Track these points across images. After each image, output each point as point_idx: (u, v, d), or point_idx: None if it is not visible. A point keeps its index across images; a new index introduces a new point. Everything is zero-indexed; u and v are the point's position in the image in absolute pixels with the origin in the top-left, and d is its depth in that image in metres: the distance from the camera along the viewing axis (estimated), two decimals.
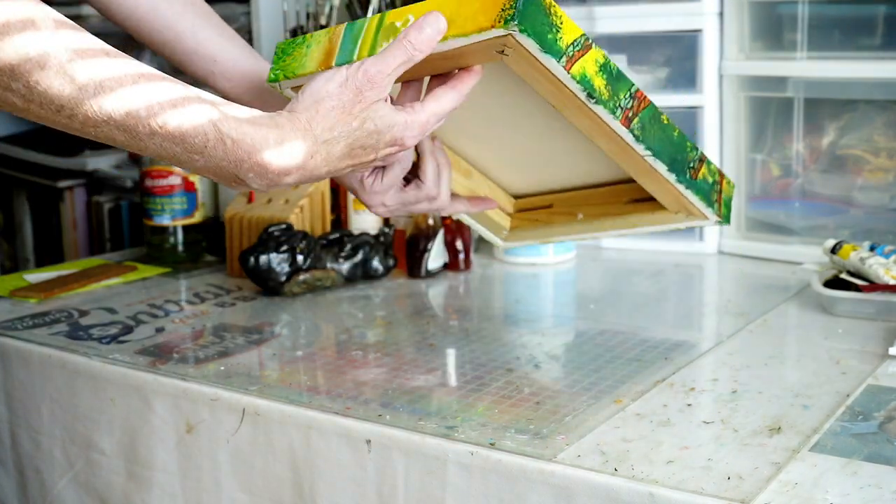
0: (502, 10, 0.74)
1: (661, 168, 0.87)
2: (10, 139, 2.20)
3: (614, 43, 1.44)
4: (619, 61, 1.44)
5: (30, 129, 2.30)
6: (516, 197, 1.09)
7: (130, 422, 1.01)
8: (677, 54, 1.41)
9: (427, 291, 1.29)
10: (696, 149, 0.90)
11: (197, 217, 1.47)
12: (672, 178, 0.88)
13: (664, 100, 1.41)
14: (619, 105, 0.81)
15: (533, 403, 0.89)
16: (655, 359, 1.00)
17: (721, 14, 1.37)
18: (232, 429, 0.94)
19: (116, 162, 2.05)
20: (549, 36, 0.76)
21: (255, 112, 0.75)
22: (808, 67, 1.32)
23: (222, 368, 1.00)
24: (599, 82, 0.79)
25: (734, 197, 0.96)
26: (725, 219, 0.94)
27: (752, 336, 1.07)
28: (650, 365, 0.98)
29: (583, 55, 0.78)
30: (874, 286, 1.09)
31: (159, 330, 1.13)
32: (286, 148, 0.75)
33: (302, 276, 1.25)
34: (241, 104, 0.76)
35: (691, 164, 0.89)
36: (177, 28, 0.97)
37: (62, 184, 2.04)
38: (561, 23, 0.76)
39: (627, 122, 0.82)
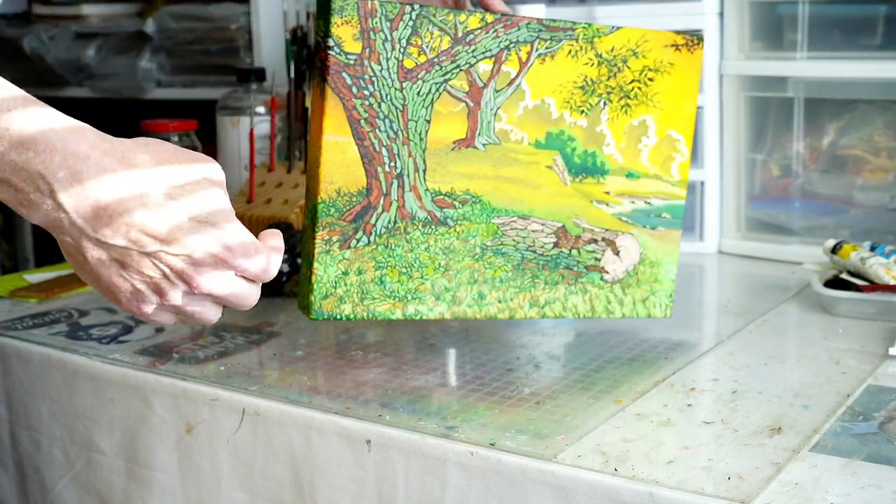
0: None
1: None
2: None
3: None
4: None
5: None
6: None
7: (130, 422, 1.01)
8: None
9: None
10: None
11: None
12: None
13: None
14: None
15: (533, 403, 0.89)
16: (655, 359, 1.00)
17: (721, 14, 1.37)
18: (232, 429, 0.94)
19: None
20: None
21: None
22: (808, 67, 1.32)
23: (222, 368, 1.00)
24: None
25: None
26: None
27: (752, 336, 1.07)
28: (650, 365, 0.98)
29: None
30: (874, 286, 1.09)
31: (159, 330, 1.13)
32: None
33: None
34: None
35: None
36: None
37: None
38: None
39: None
